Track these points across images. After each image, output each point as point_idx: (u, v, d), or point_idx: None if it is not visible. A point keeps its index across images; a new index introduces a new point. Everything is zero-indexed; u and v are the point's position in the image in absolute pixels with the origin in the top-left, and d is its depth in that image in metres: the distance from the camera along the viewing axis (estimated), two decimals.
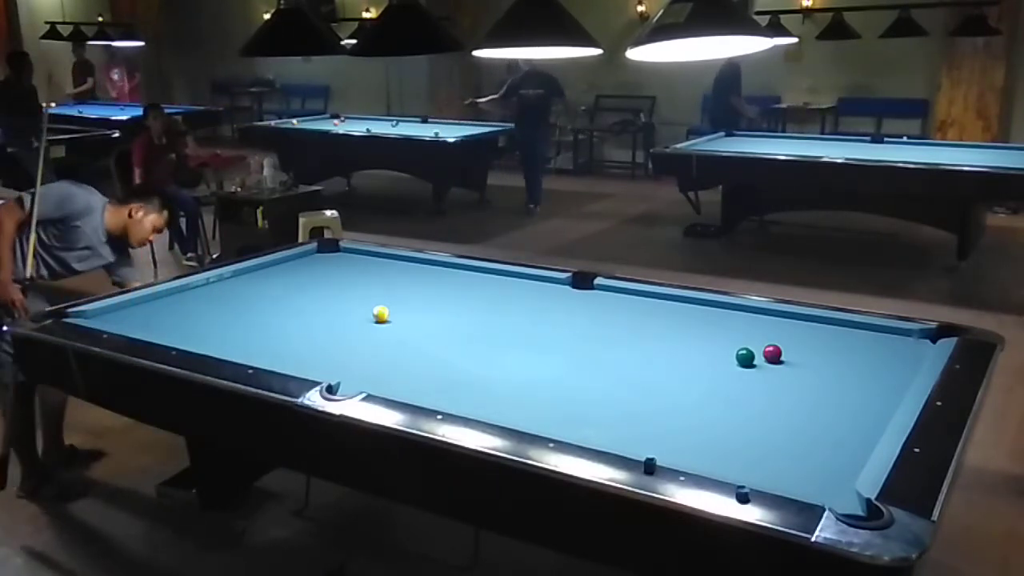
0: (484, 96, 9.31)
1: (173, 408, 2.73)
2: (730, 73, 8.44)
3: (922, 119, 9.33)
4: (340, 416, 2.21)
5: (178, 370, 2.50)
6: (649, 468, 1.86)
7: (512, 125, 8.75)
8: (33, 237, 3.33)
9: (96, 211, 3.51)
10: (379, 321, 3.05)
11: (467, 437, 2.05)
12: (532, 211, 8.70)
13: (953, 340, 2.72)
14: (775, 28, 7.39)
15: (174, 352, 2.59)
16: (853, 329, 2.94)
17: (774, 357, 2.66)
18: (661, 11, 2.46)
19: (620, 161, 10.97)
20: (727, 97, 8.53)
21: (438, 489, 2.22)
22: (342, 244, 4.13)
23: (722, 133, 8.22)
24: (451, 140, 8.13)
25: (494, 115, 9.32)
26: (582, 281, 3.46)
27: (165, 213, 3.68)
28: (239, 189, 6.56)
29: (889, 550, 1.59)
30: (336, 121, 9.77)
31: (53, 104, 11.01)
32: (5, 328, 3.13)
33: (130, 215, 3.55)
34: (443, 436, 2.07)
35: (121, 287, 3.49)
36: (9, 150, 7.49)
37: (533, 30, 2.83)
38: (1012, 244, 7.46)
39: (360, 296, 3.34)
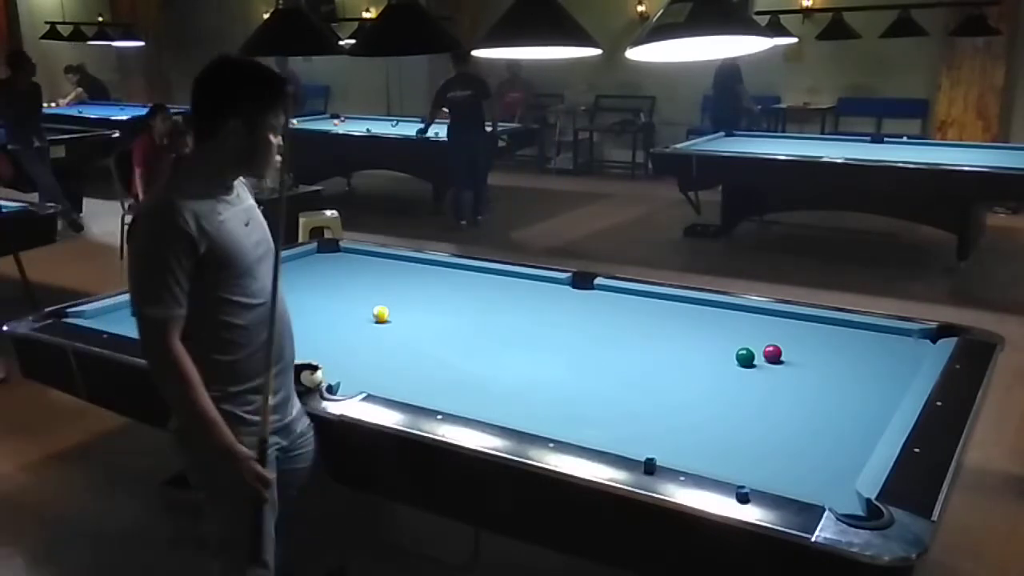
0: (426, 123, 8.33)
1: None
2: (731, 69, 8.47)
3: (922, 119, 9.32)
4: (340, 416, 2.21)
5: None
6: (649, 468, 1.86)
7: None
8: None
9: None
10: (379, 321, 3.05)
11: (467, 437, 2.06)
12: (477, 222, 7.98)
13: (953, 340, 2.72)
14: (775, 28, 7.37)
15: None
16: (853, 329, 2.95)
17: (774, 357, 2.67)
18: (661, 11, 2.46)
19: (620, 161, 10.97)
20: (730, 93, 8.52)
21: (438, 489, 2.23)
22: (342, 244, 4.13)
23: (722, 133, 8.22)
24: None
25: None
26: (582, 281, 3.46)
27: None
28: None
29: (889, 550, 1.60)
30: (336, 121, 9.77)
31: (55, 104, 11.02)
32: (5, 328, 2.89)
33: None
34: (443, 436, 2.07)
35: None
36: (10, 147, 7.46)
37: (532, 30, 2.83)
38: (1012, 244, 7.45)
39: (360, 296, 3.34)
